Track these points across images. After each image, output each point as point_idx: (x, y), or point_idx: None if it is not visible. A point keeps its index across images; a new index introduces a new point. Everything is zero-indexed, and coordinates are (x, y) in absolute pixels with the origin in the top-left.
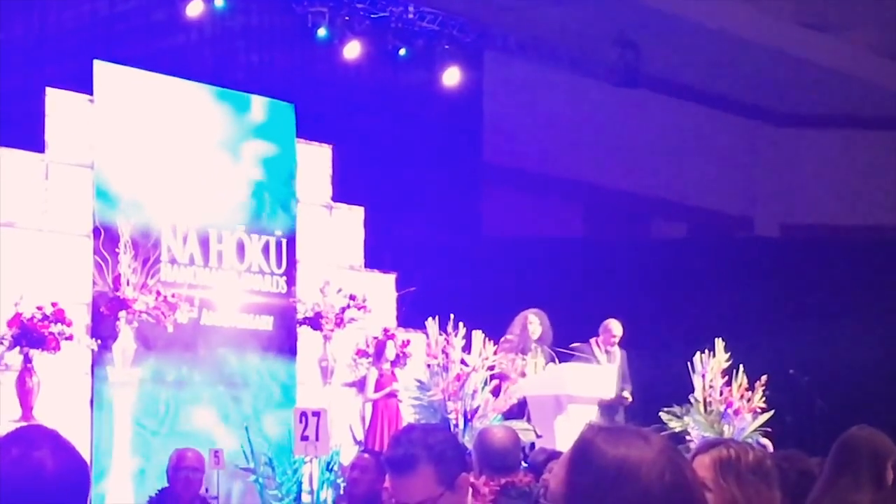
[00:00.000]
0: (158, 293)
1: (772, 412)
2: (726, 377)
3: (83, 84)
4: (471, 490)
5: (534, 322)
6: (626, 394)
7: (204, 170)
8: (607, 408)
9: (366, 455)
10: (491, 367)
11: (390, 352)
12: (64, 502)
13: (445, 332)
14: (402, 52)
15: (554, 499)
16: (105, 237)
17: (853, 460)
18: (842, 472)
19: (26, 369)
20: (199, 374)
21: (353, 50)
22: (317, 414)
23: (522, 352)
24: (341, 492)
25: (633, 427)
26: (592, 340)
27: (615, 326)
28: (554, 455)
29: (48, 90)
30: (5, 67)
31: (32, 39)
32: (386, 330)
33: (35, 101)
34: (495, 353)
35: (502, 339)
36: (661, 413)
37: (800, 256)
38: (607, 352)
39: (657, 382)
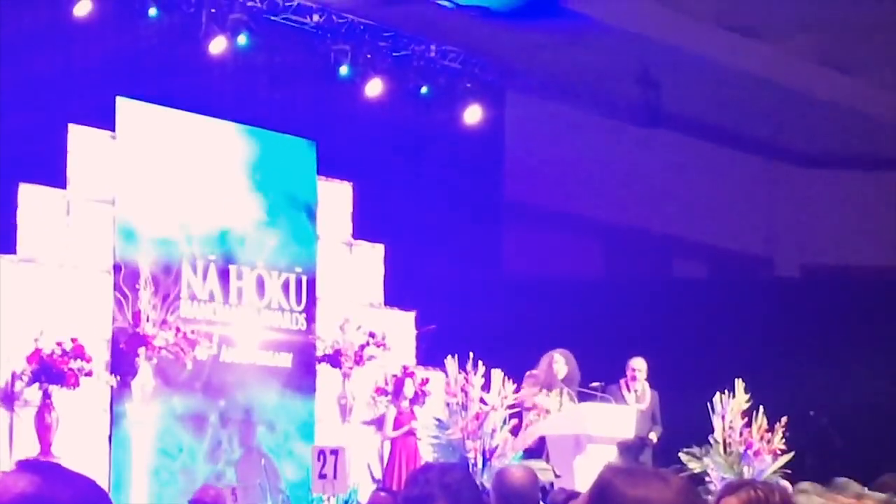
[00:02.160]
0: (178, 329)
1: (792, 453)
2: (746, 418)
3: (106, 120)
4: None
5: (559, 361)
6: (653, 435)
7: (224, 206)
8: (628, 448)
9: (382, 493)
10: (511, 406)
11: (409, 390)
12: None
13: (465, 370)
14: (424, 90)
15: None
16: (125, 273)
17: None
18: None
19: (45, 405)
20: (217, 411)
21: (374, 88)
22: (335, 452)
23: (547, 388)
24: None
25: (653, 468)
26: (621, 381)
27: (636, 362)
28: (573, 495)
29: (71, 126)
30: (29, 103)
31: (55, 76)
32: (405, 368)
33: (58, 137)
34: (516, 389)
35: (528, 373)
36: (680, 454)
37: (820, 297)
38: (636, 391)
39: (677, 423)
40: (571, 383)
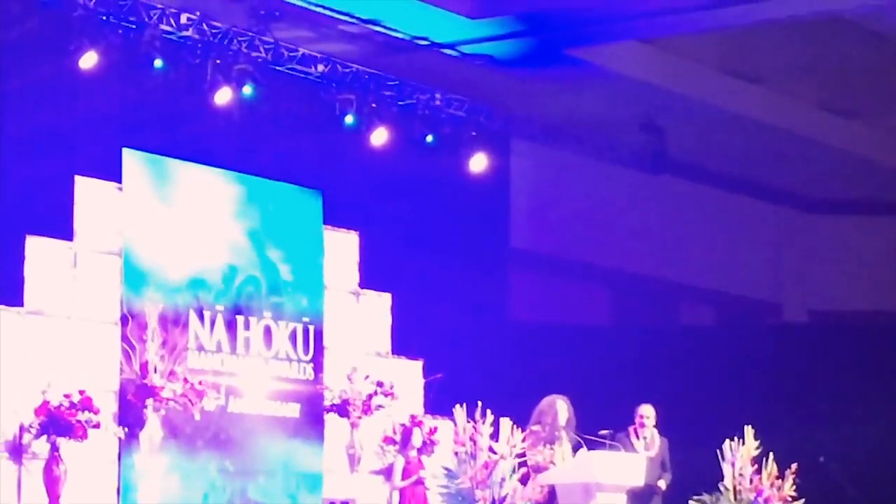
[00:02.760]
0: (186, 380)
1: (802, 500)
2: (756, 465)
3: (112, 172)
4: None
5: (562, 408)
6: (662, 483)
7: (231, 257)
8: (638, 496)
9: None
10: (520, 455)
11: (417, 439)
12: None
13: (473, 418)
14: (429, 138)
15: None
16: (133, 324)
17: None
18: None
19: (53, 458)
20: (226, 462)
21: (380, 136)
22: None
23: (550, 441)
24: None
25: None
26: (630, 429)
27: (644, 409)
28: None
29: (77, 178)
30: (35, 156)
31: (61, 127)
32: (413, 417)
33: (64, 189)
34: (523, 440)
35: (529, 429)
36: (690, 501)
37: (829, 342)
38: (644, 438)
39: (686, 470)
40: (571, 428)
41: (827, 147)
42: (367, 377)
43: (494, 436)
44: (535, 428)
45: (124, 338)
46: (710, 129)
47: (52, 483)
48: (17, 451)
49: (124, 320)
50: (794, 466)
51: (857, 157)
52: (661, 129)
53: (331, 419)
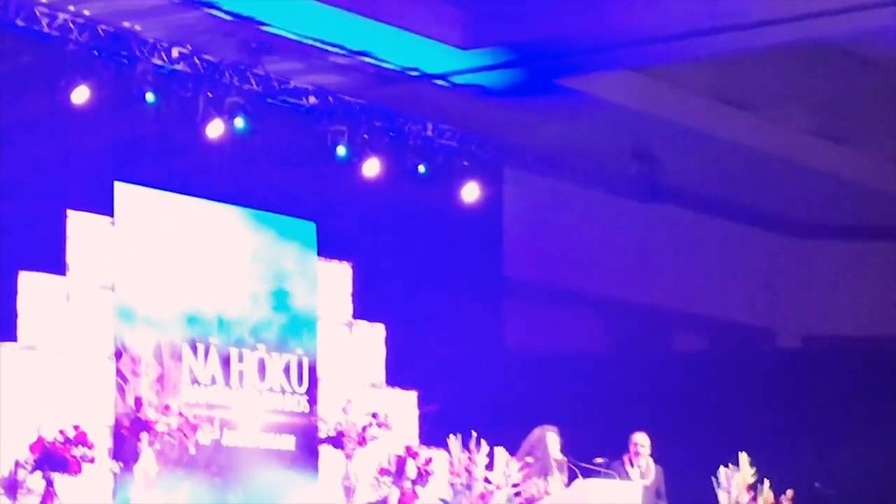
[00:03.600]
0: (180, 414)
1: None
2: (752, 491)
3: (104, 206)
4: None
5: (552, 439)
6: None
7: (224, 289)
8: None
9: None
10: (515, 485)
11: (411, 470)
12: None
13: (468, 449)
14: (422, 168)
15: None
16: (126, 358)
17: None
18: None
19: (48, 493)
20: (221, 495)
21: (372, 167)
22: None
23: (543, 473)
24: None
25: None
26: (625, 457)
27: (638, 437)
28: None
29: (69, 213)
30: (27, 190)
31: (53, 162)
32: (408, 448)
33: (56, 223)
34: (519, 469)
35: (521, 461)
36: None
37: (823, 368)
38: (639, 467)
39: (682, 498)
40: (562, 458)
41: (819, 173)
42: (361, 409)
43: (490, 465)
44: (528, 460)
45: (118, 372)
46: (702, 156)
47: None
48: (12, 487)
49: (118, 354)
50: (789, 493)
51: (850, 183)
52: (654, 157)
53: (325, 451)
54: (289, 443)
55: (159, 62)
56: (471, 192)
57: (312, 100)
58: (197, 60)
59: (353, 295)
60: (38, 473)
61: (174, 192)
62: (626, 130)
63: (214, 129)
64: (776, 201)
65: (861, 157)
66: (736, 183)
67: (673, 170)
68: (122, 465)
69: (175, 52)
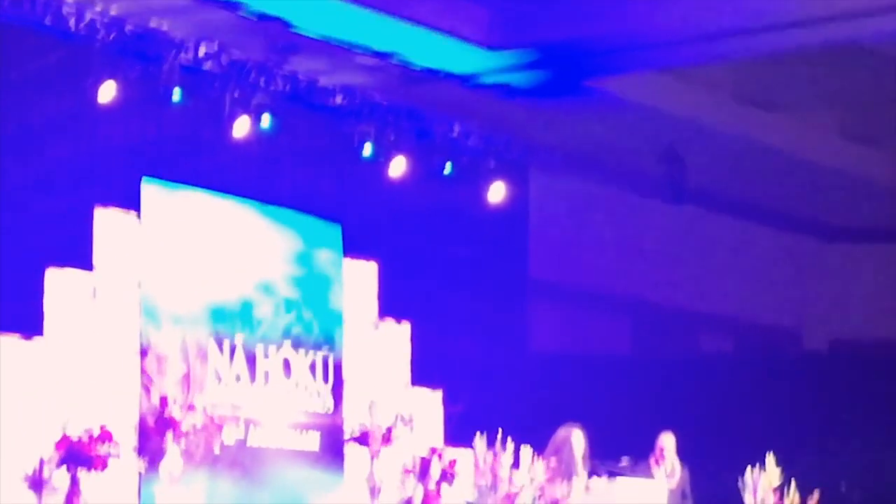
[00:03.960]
0: (205, 412)
1: None
2: (778, 493)
3: (131, 203)
4: None
5: (578, 440)
6: None
7: (250, 288)
8: None
9: None
10: (540, 486)
11: (435, 470)
12: None
13: (493, 448)
14: (448, 168)
15: None
16: (152, 356)
17: None
18: None
19: (73, 491)
20: (245, 494)
21: (398, 167)
22: None
23: (568, 475)
24: None
25: None
26: (651, 458)
27: (664, 438)
28: None
29: (97, 209)
30: (54, 188)
31: (81, 159)
32: (433, 448)
33: (84, 220)
34: (546, 468)
35: (546, 462)
36: None
37: (849, 371)
38: (665, 467)
39: (708, 499)
40: (587, 459)
41: (847, 175)
42: (387, 410)
43: (515, 465)
44: (552, 461)
45: (143, 369)
46: (729, 157)
47: None
48: (37, 484)
49: (143, 352)
50: (815, 494)
51: (878, 186)
52: (681, 159)
53: (351, 450)
54: (314, 442)
55: (186, 61)
56: (497, 193)
57: (339, 99)
58: (224, 59)
59: (379, 294)
60: (63, 470)
61: (201, 189)
62: (653, 131)
63: (241, 128)
64: (803, 203)
65: (889, 160)
66: (763, 184)
67: (699, 171)
68: (146, 463)
69: (202, 51)
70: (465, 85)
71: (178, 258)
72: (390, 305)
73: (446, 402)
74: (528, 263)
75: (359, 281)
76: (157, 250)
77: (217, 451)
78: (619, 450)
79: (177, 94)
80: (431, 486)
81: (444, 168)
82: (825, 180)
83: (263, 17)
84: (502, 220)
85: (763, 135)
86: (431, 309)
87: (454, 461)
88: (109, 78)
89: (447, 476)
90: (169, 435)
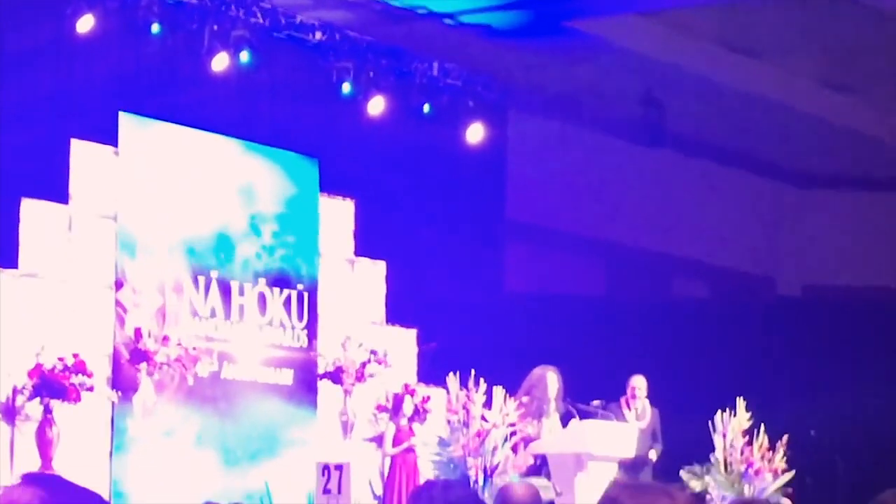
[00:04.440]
0: (180, 345)
1: (793, 473)
2: (747, 437)
3: (108, 136)
4: None
5: (552, 380)
6: (653, 453)
7: (226, 223)
8: (629, 466)
9: None
10: (512, 424)
11: (408, 407)
12: None
13: (466, 387)
14: (426, 108)
15: None
16: (127, 288)
17: None
18: None
19: (46, 420)
20: (218, 427)
21: (377, 106)
22: (339, 468)
23: (539, 413)
24: None
25: (659, 484)
26: (622, 399)
27: (636, 380)
28: None
29: (73, 142)
30: (31, 119)
31: (58, 91)
32: (406, 385)
33: (60, 152)
34: (516, 409)
35: (519, 400)
36: (681, 472)
37: (822, 317)
38: (636, 409)
39: (677, 441)
40: (560, 399)
41: (826, 123)
42: (360, 345)
43: (487, 404)
44: (524, 399)
45: (118, 302)
46: (709, 103)
47: (44, 445)
48: (10, 412)
49: (118, 284)
50: (785, 439)
51: (855, 133)
52: (660, 103)
53: (324, 386)
54: (287, 377)
55: None
56: (475, 133)
57: (319, 36)
58: None
59: (355, 232)
60: (37, 400)
61: (178, 123)
62: (633, 75)
63: (219, 63)
64: (781, 150)
65: (867, 108)
66: (741, 130)
67: (678, 116)
68: (120, 394)
69: None
70: (445, 24)
71: (155, 192)
72: (366, 244)
73: (420, 340)
74: (505, 204)
75: (335, 219)
76: (133, 184)
77: (191, 383)
78: (591, 391)
79: (156, 28)
80: (404, 422)
81: (422, 107)
82: (804, 127)
83: None
84: (480, 161)
85: (744, 81)
86: (407, 248)
87: (427, 398)
88: (88, 9)
89: (420, 413)
90: (143, 367)
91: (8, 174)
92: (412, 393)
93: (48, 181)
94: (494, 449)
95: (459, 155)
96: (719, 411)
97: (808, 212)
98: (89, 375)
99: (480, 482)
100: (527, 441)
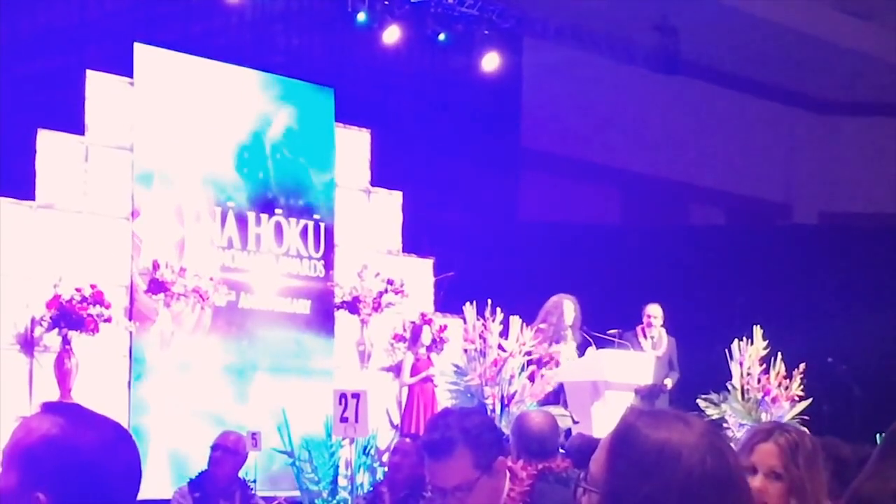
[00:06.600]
0: (197, 275)
1: (809, 400)
2: (764, 365)
3: (123, 67)
4: (508, 474)
5: (568, 307)
6: (669, 381)
7: (242, 153)
8: (645, 395)
9: (407, 440)
10: (528, 353)
11: (426, 337)
12: (118, 480)
13: (483, 316)
14: (442, 37)
15: (594, 482)
16: (144, 219)
17: None
18: (888, 459)
19: (65, 351)
20: (236, 357)
21: (392, 35)
22: (356, 396)
23: (555, 340)
24: (378, 476)
25: (676, 411)
26: (638, 328)
27: (652, 308)
28: (590, 441)
29: (88, 73)
30: (46, 50)
31: (73, 22)
32: (423, 315)
33: (75, 83)
34: (535, 336)
35: (535, 327)
36: (697, 400)
37: (838, 244)
38: (652, 337)
39: (694, 369)
40: (576, 327)
41: (841, 49)
42: (377, 274)
43: (504, 333)
44: (542, 326)
45: (135, 233)
46: (724, 29)
47: (63, 376)
48: (28, 343)
49: (135, 215)
50: (801, 366)
51: (872, 59)
52: (675, 30)
53: (341, 316)
54: (304, 307)
55: None
56: (490, 62)
57: None
58: None
59: (371, 162)
60: (55, 331)
61: (193, 54)
62: (648, 2)
63: None
64: (796, 77)
65: (884, 34)
66: (757, 57)
67: (693, 42)
68: (137, 324)
69: None
70: None
71: (171, 123)
72: (382, 174)
73: (437, 270)
74: (521, 133)
75: (351, 149)
76: (149, 114)
77: (209, 313)
78: (607, 320)
79: None
80: (422, 351)
81: (437, 36)
82: (820, 54)
83: None
84: (495, 90)
85: (759, 7)
86: (423, 177)
87: (444, 327)
88: None
89: (437, 342)
90: (160, 297)
91: (24, 106)
92: (429, 322)
93: (64, 112)
94: (511, 378)
95: (474, 84)
96: (736, 339)
97: (824, 138)
98: (107, 306)
99: (497, 411)
100: (542, 363)
